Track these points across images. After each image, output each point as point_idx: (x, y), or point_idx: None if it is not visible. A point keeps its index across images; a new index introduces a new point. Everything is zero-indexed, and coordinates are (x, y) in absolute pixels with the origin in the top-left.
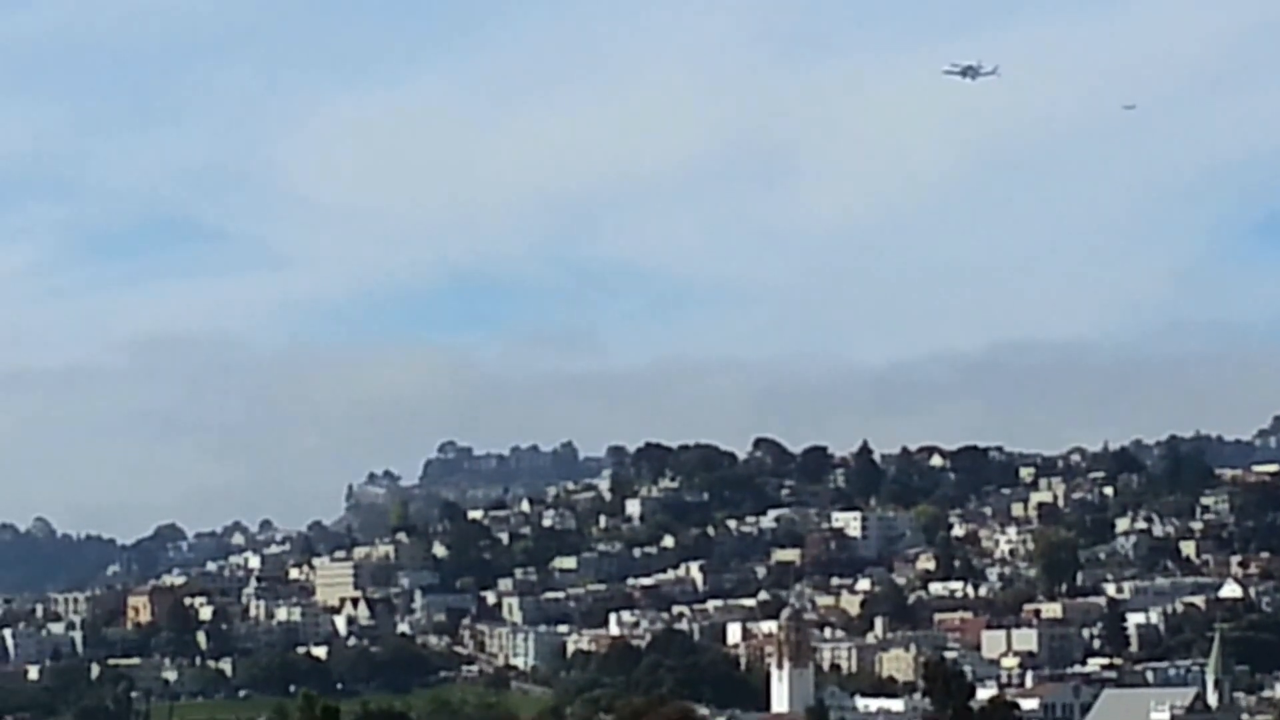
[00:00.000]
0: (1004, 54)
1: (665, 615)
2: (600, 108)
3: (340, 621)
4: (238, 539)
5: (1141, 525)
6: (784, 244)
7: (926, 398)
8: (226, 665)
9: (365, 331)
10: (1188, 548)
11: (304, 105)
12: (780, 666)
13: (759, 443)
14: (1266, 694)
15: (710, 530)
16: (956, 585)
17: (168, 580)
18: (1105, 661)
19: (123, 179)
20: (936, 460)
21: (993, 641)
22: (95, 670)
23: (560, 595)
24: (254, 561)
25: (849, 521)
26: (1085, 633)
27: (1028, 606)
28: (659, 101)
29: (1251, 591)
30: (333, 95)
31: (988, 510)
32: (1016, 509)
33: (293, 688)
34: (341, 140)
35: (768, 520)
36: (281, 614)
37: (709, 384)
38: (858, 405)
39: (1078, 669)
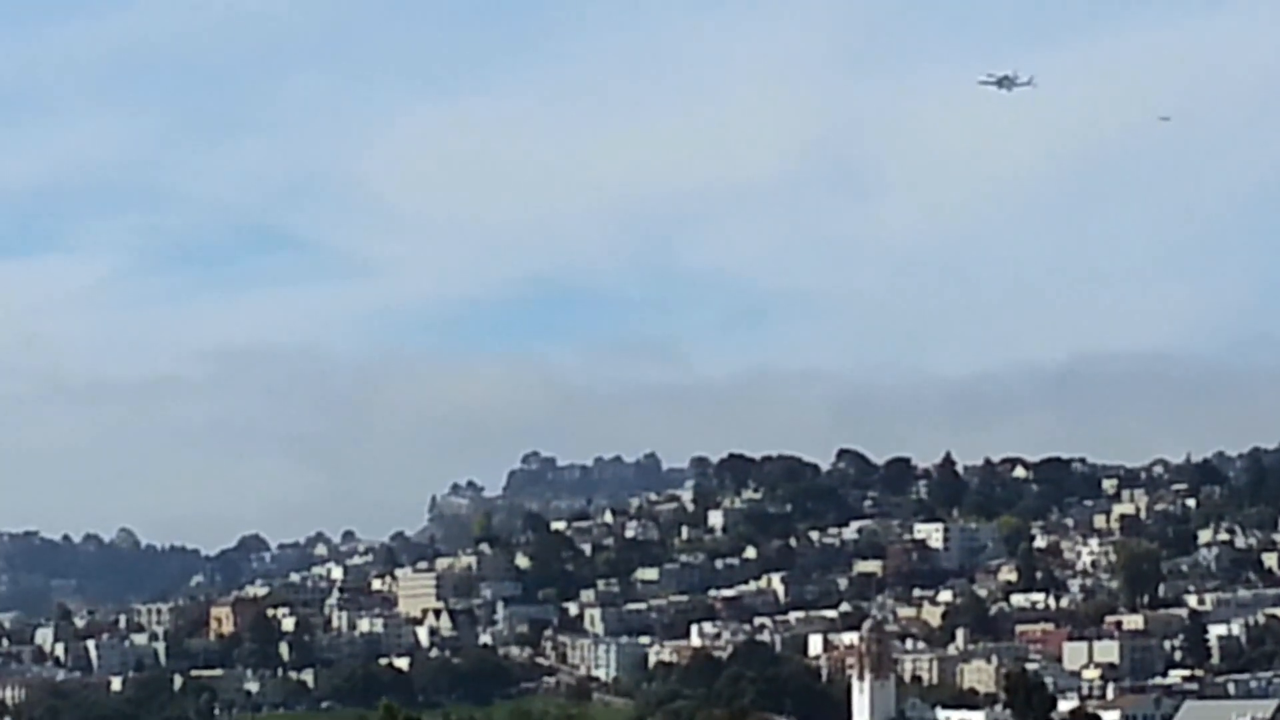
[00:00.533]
0: (1086, 65)
1: (747, 627)
2: (685, 119)
3: (422, 633)
4: (320, 550)
5: (1224, 537)
6: (866, 255)
7: (1007, 409)
8: (309, 676)
9: (448, 341)
10: (1270, 559)
11: (389, 115)
12: (862, 678)
13: (842, 454)
14: None
15: (792, 541)
16: (1038, 597)
17: (251, 591)
18: (1187, 673)
19: (208, 189)
20: (1019, 472)
21: (1074, 653)
22: (178, 681)
23: (642, 606)
24: (336, 572)
25: (931, 533)
26: (1167, 644)
27: (1109, 618)
28: (743, 114)
29: None
30: (417, 105)
31: (1070, 522)
32: (1099, 520)
33: (375, 699)
34: (426, 150)
35: (850, 531)
36: (364, 625)
37: (791, 395)
38: (939, 416)
39: (1159, 681)
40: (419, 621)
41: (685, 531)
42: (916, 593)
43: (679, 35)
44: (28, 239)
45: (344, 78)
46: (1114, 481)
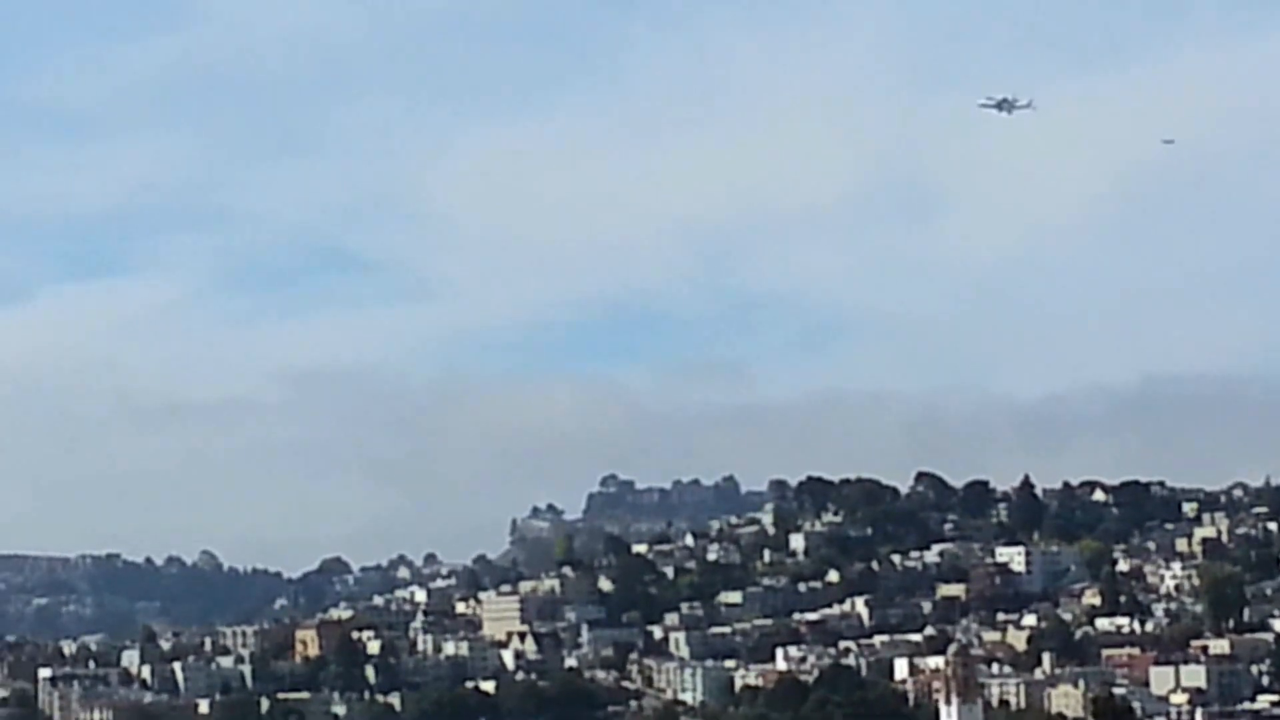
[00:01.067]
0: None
1: (832, 650)
2: (752, 142)
3: (507, 655)
4: (403, 573)
5: None
6: (934, 277)
7: (1080, 431)
8: (395, 699)
9: (520, 363)
10: None
11: (456, 137)
12: (949, 702)
13: (920, 477)
14: None
15: (875, 565)
16: (1123, 621)
17: (335, 614)
18: (1275, 698)
19: (278, 210)
20: (1098, 495)
21: (1161, 678)
22: (264, 704)
23: (726, 630)
24: (420, 595)
25: (1013, 556)
26: (1254, 669)
27: (1195, 642)
28: (810, 137)
29: None
30: (484, 128)
31: (1151, 545)
32: (1180, 544)
33: None
34: (495, 172)
35: (931, 555)
36: (449, 648)
37: (862, 417)
38: (1011, 439)
39: (1247, 705)
40: (504, 644)
41: (767, 554)
42: (1000, 616)
43: (745, 59)
44: (101, 262)
45: (409, 102)
46: (1194, 505)
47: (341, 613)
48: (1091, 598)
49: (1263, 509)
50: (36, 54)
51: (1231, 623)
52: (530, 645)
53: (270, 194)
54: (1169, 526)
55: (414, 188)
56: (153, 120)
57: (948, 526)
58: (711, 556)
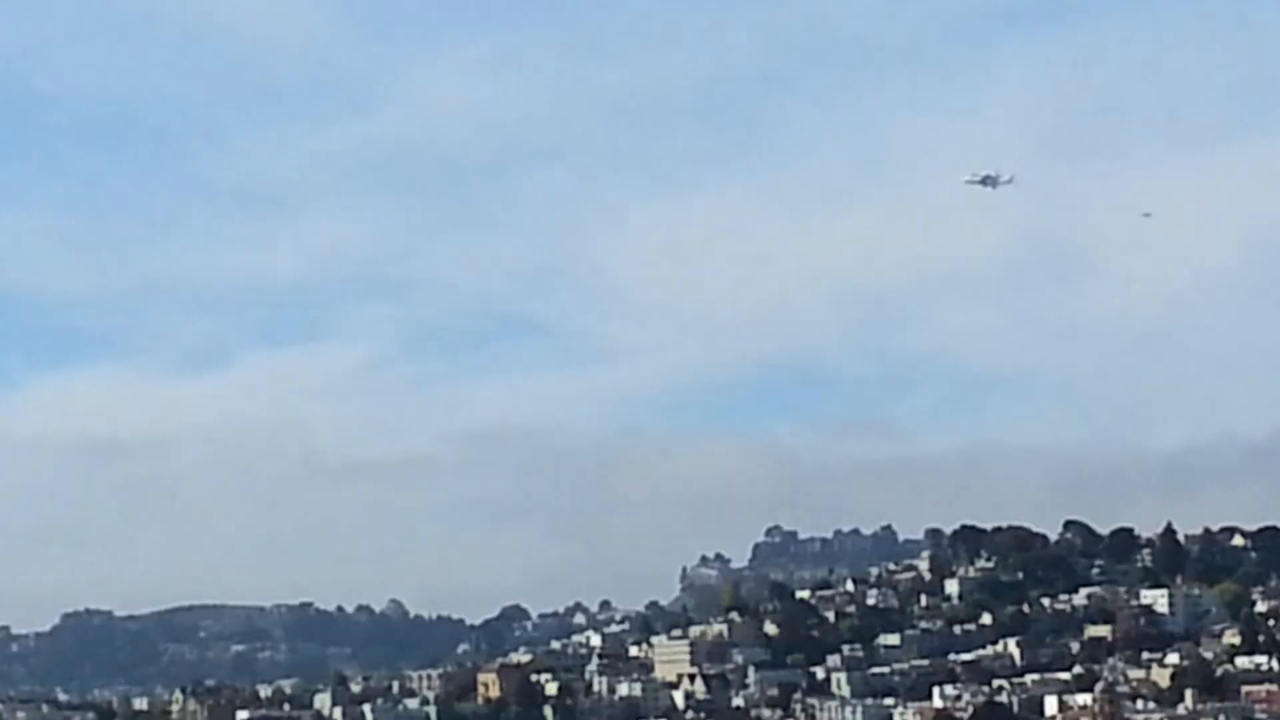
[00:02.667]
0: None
1: (985, 688)
2: (907, 210)
3: (678, 696)
4: (579, 619)
5: None
6: (1081, 335)
7: (1216, 480)
8: None
9: (686, 421)
10: None
11: (628, 209)
12: None
13: (1069, 525)
14: None
15: (1025, 608)
16: (1262, 659)
17: (515, 658)
18: None
19: (458, 279)
20: (1237, 540)
21: None
22: None
23: (885, 670)
24: (595, 640)
25: (1157, 599)
26: None
27: None
28: (962, 204)
29: None
30: (655, 200)
31: None
32: None
33: None
34: (664, 242)
35: (1080, 598)
36: (623, 689)
37: (1012, 469)
38: (1153, 488)
39: None
40: (675, 685)
41: (924, 599)
42: (1145, 655)
43: (899, 133)
44: (292, 329)
45: (581, 175)
46: None
47: (521, 656)
48: (1231, 637)
49: None
50: (236, 136)
51: None
52: (700, 686)
53: (452, 263)
54: None
55: (588, 257)
56: (343, 196)
57: (1095, 571)
58: (871, 601)
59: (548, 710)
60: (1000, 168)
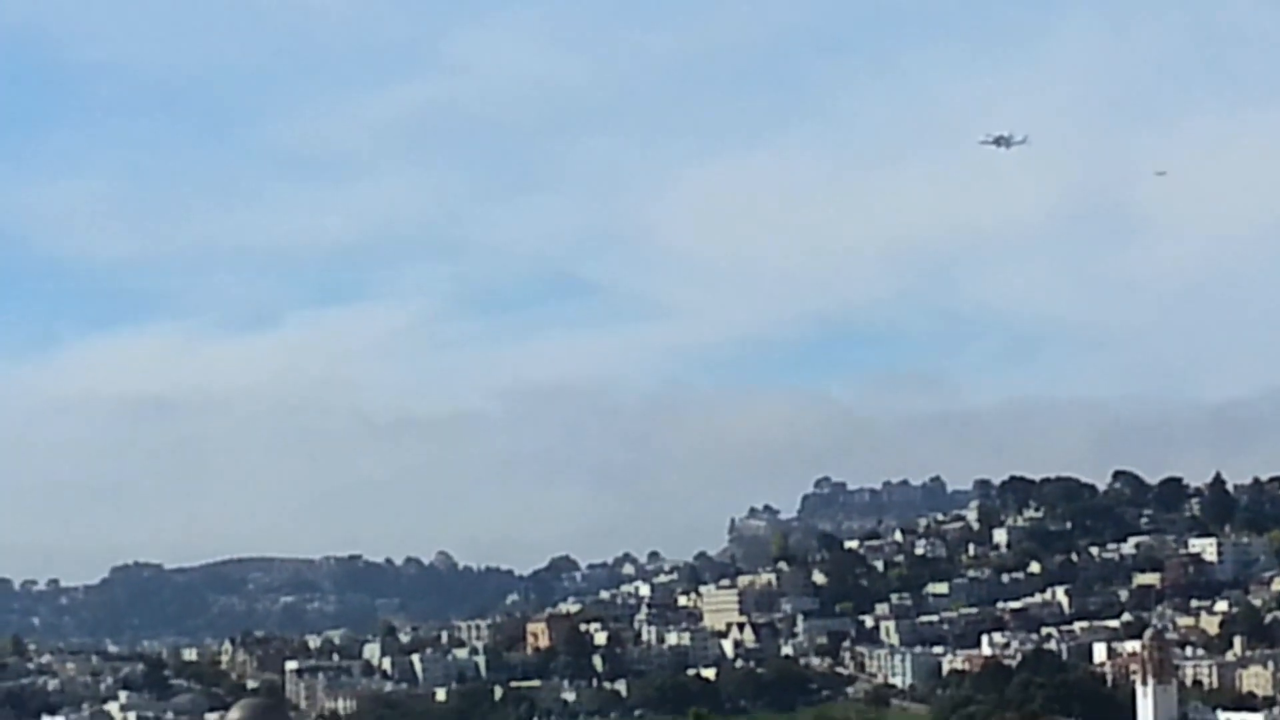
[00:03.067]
0: None
1: (1034, 636)
2: (960, 169)
3: (727, 645)
4: (628, 569)
5: None
6: (1130, 290)
7: (1267, 431)
8: (621, 686)
9: (736, 377)
10: None
11: (680, 171)
12: (1145, 683)
13: (1117, 475)
14: None
15: (1074, 556)
16: None
17: (564, 608)
18: None
19: (508, 240)
20: None
21: None
22: (498, 692)
23: (934, 618)
24: (644, 590)
25: (1205, 547)
26: None
27: None
28: (1015, 157)
29: None
30: (708, 162)
31: None
32: None
33: (684, 707)
34: (716, 202)
35: (1128, 547)
36: (672, 638)
37: (1062, 421)
38: (1202, 439)
39: None
40: (724, 634)
41: (972, 548)
42: (1194, 603)
43: (953, 93)
44: (342, 289)
45: (631, 136)
46: None
47: (570, 607)
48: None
49: None
50: (290, 101)
51: None
52: (749, 635)
53: (504, 226)
54: None
55: (640, 218)
56: (396, 160)
57: (1143, 520)
58: (919, 551)
59: (596, 660)
60: (1015, 128)
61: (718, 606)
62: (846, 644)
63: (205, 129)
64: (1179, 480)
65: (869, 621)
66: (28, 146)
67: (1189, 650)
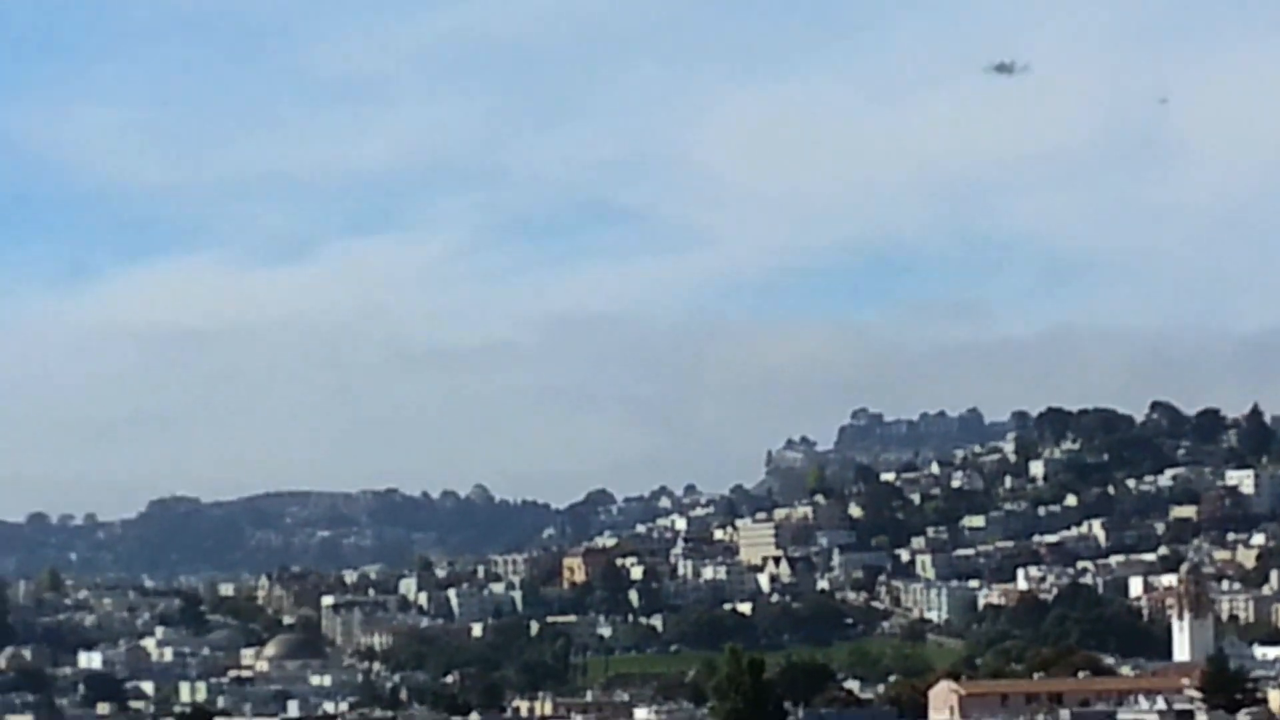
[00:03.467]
0: None
1: (1070, 570)
2: (996, 91)
3: (763, 579)
4: (664, 503)
5: None
6: (1169, 218)
7: None
8: (657, 621)
9: (771, 306)
10: None
11: (717, 98)
12: (1181, 617)
13: (1154, 406)
14: None
15: (1111, 489)
16: None
17: (600, 542)
18: None
19: (544, 168)
20: None
21: None
22: (534, 627)
23: (970, 552)
24: (680, 523)
25: (1242, 479)
26: None
27: None
28: (1052, 83)
29: None
30: (744, 88)
31: None
32: None
33: (720, 642)
34: (753, 129)
35: (1165, 479)
36: (708, 572)
37: (1098, 352)
38: (1240, 370)
39: None
40: (759, 569)
41: (1008, 481)
42: (1230, 536)
43: (989, 17)
44: (376, 218)
45: (667, 64)
46: None
47: (606, 541)
48: None
49: None
50: (324, 28)
51: None
52: (784, 569)
53: (541, 154)
54: None
55: (677, 145)
56: (431, 87)
57: (1180, 452)
58: (956, 483)
59: (632, 594)
60: (1018, 55)
61: (754, 540)
62: (882, 578)
63: (240, 56)
64: (1216, 412)
65: (905, 555)
66: (62, 76)
67: (1225, 584)
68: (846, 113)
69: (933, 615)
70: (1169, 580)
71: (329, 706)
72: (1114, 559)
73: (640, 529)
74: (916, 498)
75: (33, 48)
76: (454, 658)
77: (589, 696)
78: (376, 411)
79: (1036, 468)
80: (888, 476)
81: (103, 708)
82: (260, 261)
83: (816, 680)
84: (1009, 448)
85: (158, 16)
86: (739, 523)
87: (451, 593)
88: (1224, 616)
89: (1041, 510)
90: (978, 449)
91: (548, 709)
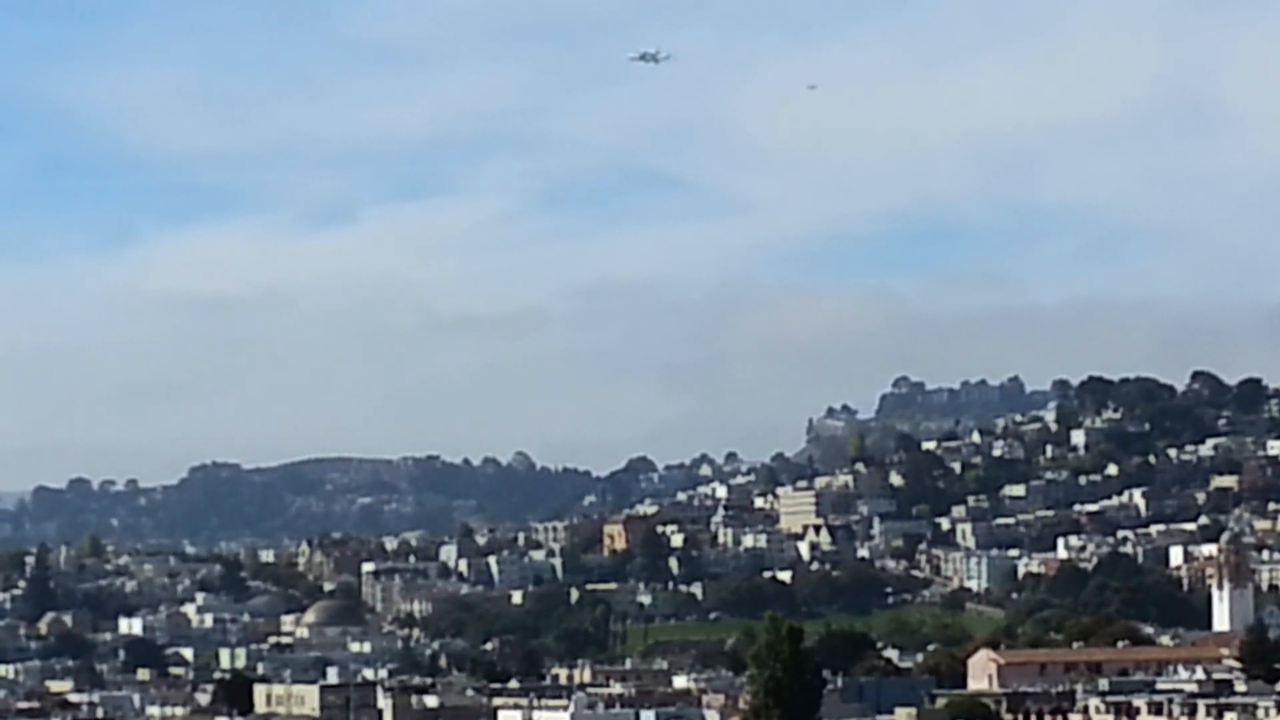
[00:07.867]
0: None
1: (1110, 539)
2: (1039, 60)
3: (803, 547)
4: (705, 470)
5: None
6: (1211, 187)
7: None
8: (697, 589)
9: (812, 273)
10: None
11: (760, 64)
12: (1221, 587)
13: (1196, 375)
14: None
15: (1151, 459)
16: None
17: (640, 510)
18: None
19: (589, 135)
20: None
21: None
22: (574, 594)
23: (1010, 521)
24: (721, 491)
25: None
26: None
27: None
28: (1095, 53)
29: None
30: (788, 55)
31: None
32: None
33: (760, 610)
34: (796, 96)
35: (1206, 449)
36: (748, 540)
37: (1141, 321)
38: (1279, 339)
39: None
40: (800, 537)
41: (1049, 450)
42: (1271, 506)
43: None
44: (420, 184)
45: (711, 30)
46: None
47: (647, 508)
48: None
49: None
50: None
51: None
52: (825, 537)
53: (584, 120)
54: None
55: (720, 111)
56: (476, 52)
57: (1222, 422)
58: (997, 452)
59: (673, 561)
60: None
61: (794, 508)
62: (922, 547)
63: (283, 20)
64: (1258, 381)
65: (945, 524)
66: (105, 39)
67: (1266, 554)
68: (889, 80)
69: (972, 584)
70: (1209, 550)
71: (368, 673)
72: (1154, 528)
73: (681, 497)
74: (957, 466)
75: (76, 13)
76: (493, 625)
77: (628, 664)
78: (418, 378)
79: (1077, 437)
80: (928, 445)
81: (143, 673)
82: (303, 227)
83: (856, 649)
84: (1050, 417)
85: None
86: (780, 491)
87: (492, 560)
88: (1264, 586)
89: (1082, 479)
90: (1019, 418)
91: (587, 676)
